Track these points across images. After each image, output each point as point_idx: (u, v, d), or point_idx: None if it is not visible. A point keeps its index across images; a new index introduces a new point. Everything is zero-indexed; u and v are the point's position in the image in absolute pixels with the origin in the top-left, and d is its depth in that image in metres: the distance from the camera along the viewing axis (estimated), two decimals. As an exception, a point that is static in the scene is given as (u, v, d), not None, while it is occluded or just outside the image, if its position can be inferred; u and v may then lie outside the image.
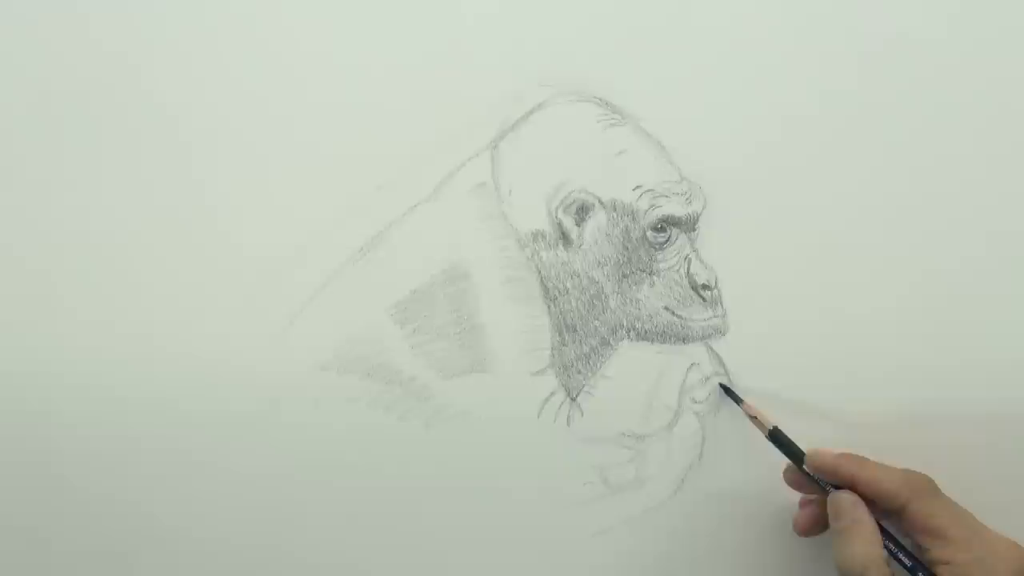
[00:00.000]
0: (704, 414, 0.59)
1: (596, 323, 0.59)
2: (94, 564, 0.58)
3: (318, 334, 0.58)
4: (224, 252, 0.58)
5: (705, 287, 0.59)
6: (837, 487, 0.53)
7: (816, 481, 0.54)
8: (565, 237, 0.58)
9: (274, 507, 0.58)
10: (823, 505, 0.55)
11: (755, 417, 0.57)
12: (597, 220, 0.58)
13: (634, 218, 0.59)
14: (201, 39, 0.58)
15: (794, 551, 0.58)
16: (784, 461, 0.56)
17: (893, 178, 0.59)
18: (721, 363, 0.59)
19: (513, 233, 0.58)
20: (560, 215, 0.58)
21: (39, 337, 0.58)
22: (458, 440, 0.58)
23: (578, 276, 0.59)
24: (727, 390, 0.58)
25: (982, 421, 0.58)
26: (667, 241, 0.59)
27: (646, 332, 0.59)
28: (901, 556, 0.51)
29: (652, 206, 0.58)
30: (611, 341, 0.59)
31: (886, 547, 0.51)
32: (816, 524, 0.56)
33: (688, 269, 0.59)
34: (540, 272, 0.58)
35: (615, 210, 0.58)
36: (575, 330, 0.58)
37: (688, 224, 0.59)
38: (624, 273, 0.59)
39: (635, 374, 0.59)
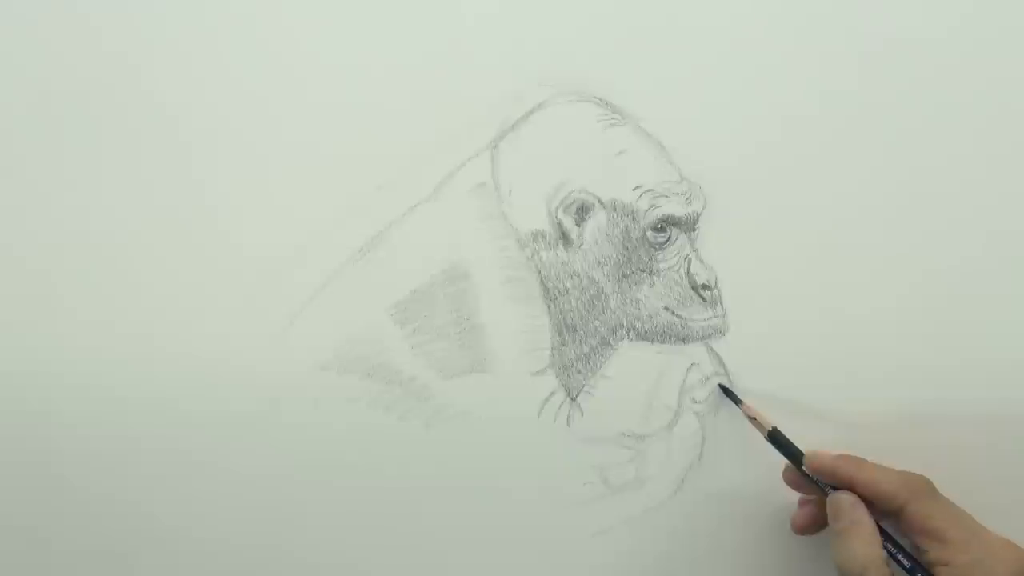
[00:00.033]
0: (704, 414, 0.59)
1: (596, 323, 0.59)
2: (94, 564, 0.58)
3: (318, 334, 0.58)
4: (224, 252, 0.58)
5: (705, 287, 0.59)
6: (836, 488, 0.53)
7: (815, 482, 0.54)
8: (565, 237, 0.58)
9: (274, 507, 0.58)
10: (821, 505, 0.55)
11: (754, 418, 0.57)
12: (597, 220, 0.58)
13: (634, 218, 0.59)
14: (201, 39, 0.58)
15: (794, 551, 0.58)
16: (783, 461, 0.56)
17: (893, 178, 0.59)
18: (721, 363, 0.59)
19: (513, 233, 0.58)
20: (560, 215, 0.58)
21: (39, 337, 0.58)
22: (458, 440, 0.58)
23: (578, 276, 0.59)
24: (726, 391, 0.58)
25: (982, 421, 0.58)
26: (667, 241, 0.59)
27: (646, 332, 0.59)
28: (900, 557, 0.51)
29: (652, 206, 0.58)
30: (611, 341, 0.59)
31: (885, 548, 0.51)
32: (813, 523, 0.56)
33: (688, 269, 0.59)
34: (540, 272, 0.58)
35: (615, 210, 0.58)
36: (575, 330, 0.58)
37: (688, 224, 0.59)
38: (624, 273, 0.59)
39: (635, 374, 0.59)
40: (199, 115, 0.58)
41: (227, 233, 0.58)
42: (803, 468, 0.55)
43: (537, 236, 0.58)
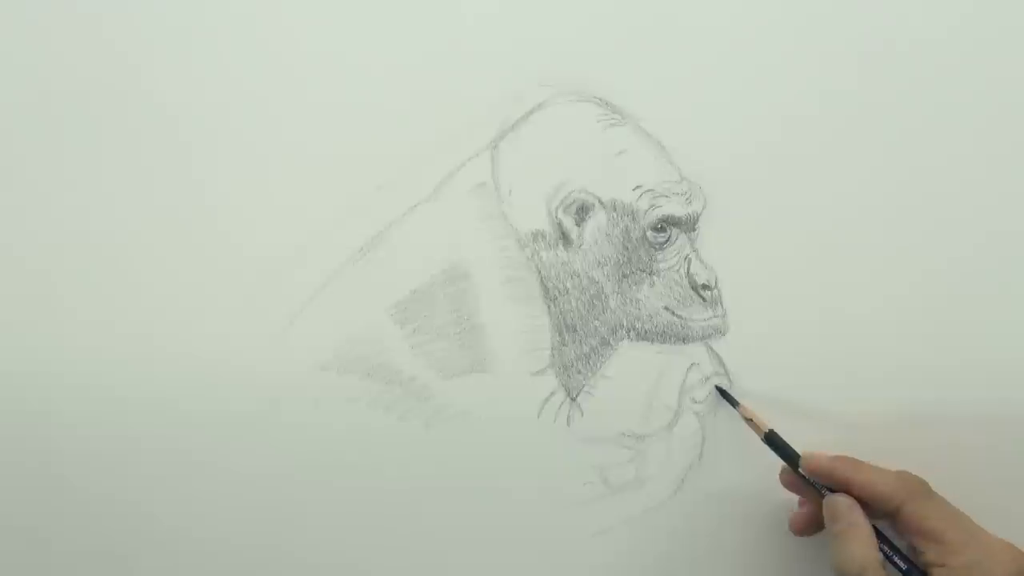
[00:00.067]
0: (704, 414, 0.59)
1: (596, 323, 0.59)
2: (94, 564, 0.58)
3: (318, 334, 0.58)
4: (224, 252, 0.58)
5: (705, 287, 0.59)
6: (832, 490, 0.53)
7: (811, 484, 0.54)
8: (565, 237, 0.58)
9: (274, 507, 0.58)
10: (818, 505, 0.55)
11: (751, 420, 0.57)
12: (597, 220, 0.58)
13: (634, 218, 0.59)
14: (201, 39, 0.58)
15: (794, 551, 0.58)
16: (781, 463, 0.56)
17: (893, 178, 0.59)
18: (721, 363, 0.59)
19: (513, 233, 0.58)
20: (560, 215, 0.58)
21: (39, 337, 0.58)
22: (458, 440, 0.58)
23: (578, 276, 0.59)
24: (723, 393, 0.58)
25: (982, 422, 0.58)
26: (667, 241, 0.59)
27: (646, 332, 0.59)
28: (896, 559, 0.52)
29: (652, 206, 0.58)
30: (611, 341, 0.59)
31: (882, 550, 0.51)
32: (811, 524, 0.56)
33: (688, 269, 0.59)
34: (540, 272, 0.58)
35: (615, 210, 0.58)
36: (575, 330, 0.58)
37: (688, 224, 0.59)
38: (624, 273, 0.59)
39: (635, 374, 0.59)
40: (199, 115, 0.58)
41: (227, 233, 0.58)
42: (800, 470, 0.55)
43: (537, 236, 0.58)
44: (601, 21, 0.59)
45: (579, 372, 0.59)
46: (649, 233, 0.59)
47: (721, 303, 0.59)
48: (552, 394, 0.58)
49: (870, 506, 0.52)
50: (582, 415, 0.58)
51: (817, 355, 0.59)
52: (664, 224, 0.58)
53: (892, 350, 0.59)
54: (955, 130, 0.59)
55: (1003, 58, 0.59)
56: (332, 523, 0.58)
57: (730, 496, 0.59)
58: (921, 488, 0.52)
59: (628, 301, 0.59)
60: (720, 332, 0.59)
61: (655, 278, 0.59)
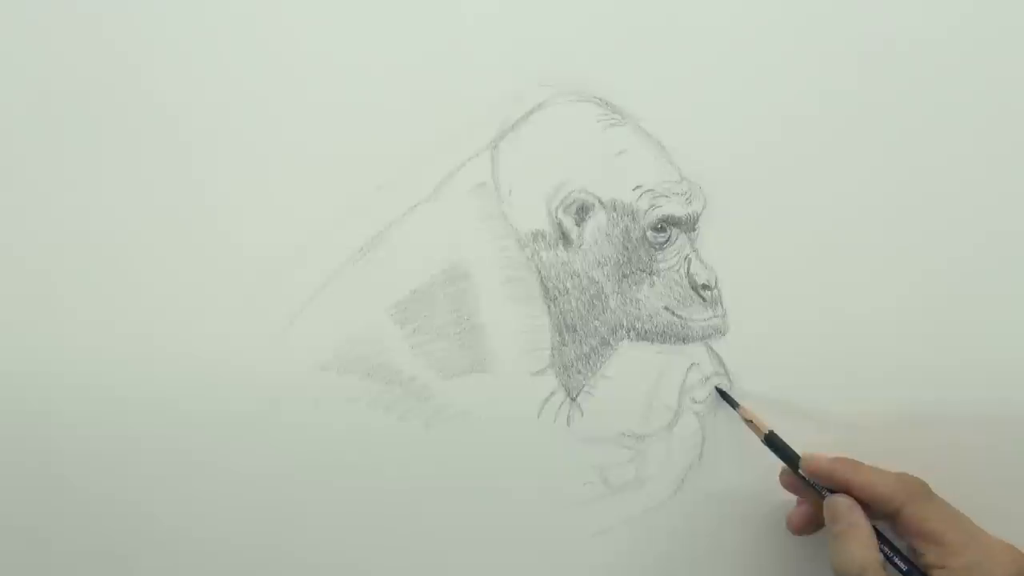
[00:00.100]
0: (704, 414, 0.59)
1: (596, 323, 0.59)
2: (94, 564, 0.58)
3: (318, 334, 0.58)
4: (224, 252, 0.58)
5: (705, 287, 0.59)
6: (832, 491, 0.53)
7: (811, 485, 0.54)
8: (565, 237, 0.58)
9: (274, 507, 0.58)
10: (817, 506, 0.55)
11: (751, 421, 0.57)
12: (597, 220, 0.58)
13: (634, 218, 0.59)
14: (201, 39, 0.58)
15: (794, 551, 0.58)
16: (781, 464, 0.56)
17: (893, 178, 0.59)
18: (721, 363, 0.59)
19: (513, 233, 0.58)
20: (560, 215, 0.58)
21: (39, 337, 0.58)
22: (458, 440, 0.58)
23: (578, 276, 0.59)
24: (723, 394, 0.58)
25: (982, 422, 0.58)
26: (667, 241, 0.59)
27: (646, 332, 0.59)
28: (896, 560, 0.52)
29: (652, 206, 0.58)
30: (611, 341, 0.59)
31: (882, 551, 0.51)
32: (810, 524, 0.56)
33: (688, 269, 0.59)
34: (540, 272, 0.58)
35: (615, 210, 0.58)
36: (575, 330, 0.58)
37: (688, 224, 0.59)
38: (624, 273, 0.59)
39: (635, 374, 0.59)
40: (199, 115, 0.58)
41: (227, 233, 0.58)
42: (799, 471, 0.55)
43: (537, 236, 0.58)
44: (601, 21, 0.59)
45: (579, 372, 0.59)
46: (649, 233, 0.59)
47: (721, 303, 0.59)
48: (552, 394, 0.58)
49: (870, 507, 0.52)
50: (582, 415, 0.58)
51: (817, 355, 0.59)
52: (664, 224, 0.58)
53: (892, 350, 0.59)
54: (955, 130, 0.59)
55: (1003, 58, 0.59)
56: (332, 523, 0.58)
57: (730, 496, 0.59)
58: (921, 490, 0.52)
59: (628, 301, 0.59)
60: (720, 332, 0.59)
61: (655, 278, 0.59)
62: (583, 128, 0.59)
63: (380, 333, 0.58)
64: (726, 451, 0.59)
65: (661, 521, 0.59)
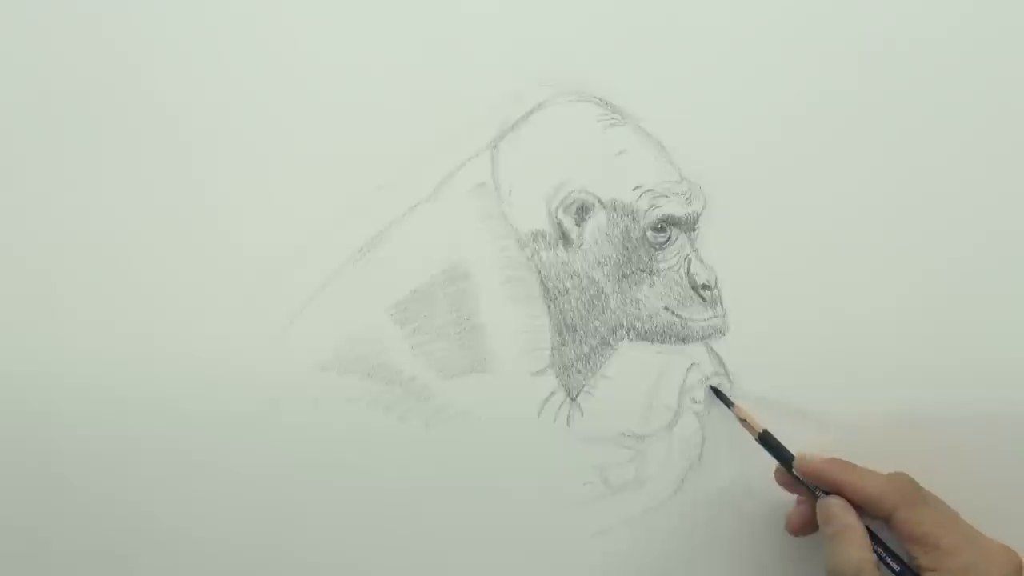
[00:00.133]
0: (704, 414, 0.59)
1: (596, 323, 0.59)
2: (94, 564, 0.58)
3: (318, 334, 0.58)
4: (224, 252, 0.58)
5: (705, 287, 0.59)
6: (826, 491, 0.53)
7: (805, 485, 0.54)
8: (565, 237, 0.58)
9: (274, 507, 0.58)
10: (814, 505, 0.55)
11: (745, 420, 0.57)
12: (597, 220, 0.58)
13: (634, 218, 0.59)
14: (201, 39, 0.58)
15: (794, 552, 0.58)
16: (777, 462, 0.56)
17: (893, 178, 0.59)
18: (721, 363, 0.59)
19: (513, 233, 0.58)
20: (560, 215, 0.58)
21: (39, 337, 0.58)
22: (458, 440, 0.58)
23: (578, 276, 0.59)
24: (718, 393, 0.58)
25: (982, 422, 0.58)
26: (667, 241, 0.59)
27: (646, 332, 0.59)
28: (890, 561, 0.52)
29: (652, 206, 0.58)
30: (611, 341, 0.59)
31: (875, 552, 0.51)
32: (808, 524, 0.56)
33: (688, 269, 0.59)
34: (540, 272, 0.58)
35: (615, 210, 0.58)
36: (575, 330, 0.58)
37: (688, 224, 0.59)
38: (624, 273, 0.59)
39: (635, 374, 0.59)
40: (199, 115, 0.58)
41: (227, 233, 0.58)
42: (793, 471, 0.55)
43: (537, 236, 0.58)
44: (601, 21, 0.59)
45: (579, 372, 0.59)
46: (649, 233, 0.59)
47: (721, 303, 0.59)
48: (552, 394, 0.58)
49: (863, 508, 0.52)
50: (582, 415, 0.58)
51: (817, 355, 0.59)
52: (664, 224, 0.58)
53: (892, 350, 0.59)
54: (955, 130, 0.59)
55: (1003, 58, 0.59)
56: (332, 523, 0.58)
57: (730, 496, 0.59)
58: (913, 491, 0.52)
59: (628, 301, 0.59)
60: (720, 332, 0.59)
61: (655, 278, 0.59)
62: (583, 128, 0.59)
63: (380, 333, 0.58)
64: (726, 451, 0.59)
65: (661, 521, 0.59)
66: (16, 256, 0.58)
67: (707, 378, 0.59)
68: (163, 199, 0.58)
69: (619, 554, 0.59)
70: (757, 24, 0.59)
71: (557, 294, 0.58)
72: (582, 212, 0.58)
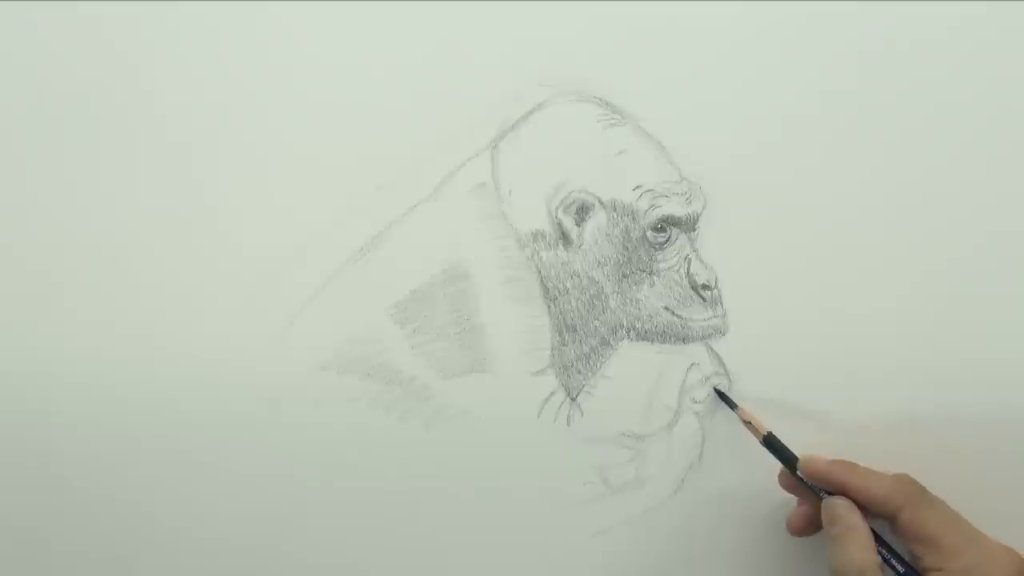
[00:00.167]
0: (704, 414, 0.59)
1: (596, 323, 0.59)
2: (94, 564, 0.58)
3: (318, 334, 0.58)
4: (224, 252, 0.58)
5: (705, 287, 0.59)
6: (830, 493, 0.53)
7: (809, 487, 0.54)
8: (565, 237, 0.58)
9: (274, 507, 0.58)
10: (816, 507, 0.55)
11: (749, 423, 0.57)
12: (597, 220, 0.58)
13: (634, 218, 0.59)
14: (201, 39, 0.58)
15: (794, 552, 0.58)
16: (780, 465, 0.56)
17: (893, 178, 0.59)
18: (721, 363, 0.59)
19: (513, 233, 0.58)
20: (560, 215, 0.58)
21: (39, 337, 0.58)
22: (458, 440, 0.58)
23: (578, 276, 0.59)
24: (722, 395, 0.58)
25: (983, 423, 0.58)
26: (667, 241, 0.59)
27: (646, 332, 0.59)
28: (894, 562, 0.52)
29: (652, 206, 0.58)
30: (611, 341, 0.59)
31: (880, 553, 0.51)
32: (809, 525, 0.56)
33: (688, 269, 0.59)
34: (540, 272, 0.58)
35: (615, 210, 0.58)
36: (575, 330, 0.58)
37: (688, 224, 0.59)
38: (624, 273, 0.59)
39: (635, 374, 0.59)
40: (199, 115, 0.58)
41: (227, 233, 0.58)
42: (797, 473, 0.55)
43: (537, 236, 0.58)
44: (601, 21, 0.59)
45: (579, 372, 0.59)
46: (649, 233, 0.59)
47: (721, 303, 0.59)
48: (552, 394, 0.58)
49: (867, 509, 0.52)
50: (582, 415, 0.58)
51: (817, 355, 0.59)
52: (664, 224, 0.58)
53: (892, 350, 0.59)
54: (955, 130, 0.59)
55: (1003, 58, 0.59)
56: (332, 523, 0.58)
57: (730, 496, 0.59)
58: (918, 492, 0.52)
59: (628, 301, 0.59)
60: (720, 332, 0.59)
61: (655, 278, 0.59)
62: (583, 128, 0.59)
63: (380, 333, 0.58)
64: (726, 451, 0.59)
65: (661, 521, 0.59)
66: (16, 256, 0.58)
67: (707, 378, 0.59)
68: (163, 199, 0.58)
69: (619, 554, 0.59)
70: (757, 24, 0.59)
71: (557, 294, 0.58)
72: (582, 212, 0.58)
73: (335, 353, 0.58)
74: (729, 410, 0.58)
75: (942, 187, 0.59)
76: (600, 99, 0.59)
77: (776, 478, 0.57)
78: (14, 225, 0.58)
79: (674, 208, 0.58)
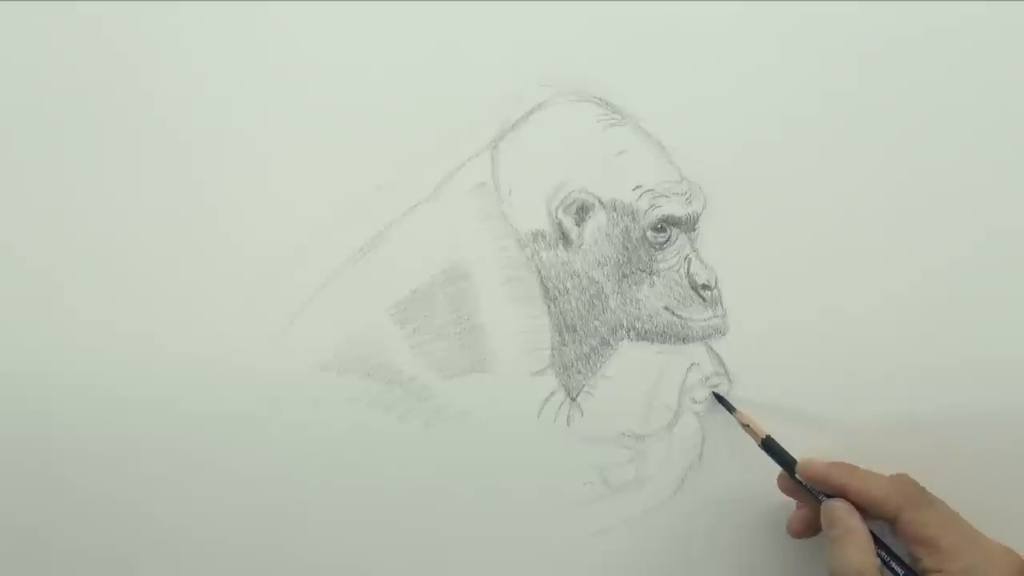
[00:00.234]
0: (704, 414, 0.59)
1: (596, 323, 0.59)
2: (94, 564, 0.58)
3: (318, 334, 0.58)
4: (224, 252, 0.58)
5: (705, 287, 0.59)
6: (829, 495, 0.53)
7: (808, 490, 0.54)
8: (565, 237, 0.58)
9: (274, 507, 0.58)
10: (815, 509, 0.55)
11: (747, 426, 0.57)
12: (597, 220, 0.58)
13: (634, 218, 0.59)
14: (201, 39, 0.58)
15: (793, 552, 0.58)
16: (779, 468, 0.56)
17: (893, 178, 0.59)
18: (721, 363, 0.59)
19: (513, 233, 0.58)
20: (560, 215, 0.58)
21: (39, 337, 0.58)
22: (458, 440, 0.58)
23: (578, 276, 0.59)
24: (720, 399, 0.58)
25: (982, 424, 0.58)
26: (667, 241, 0.59)
27: (646, 332, 0.59)
28: (894, 565, 0.51)
29: (652, 206, 0.58)
30: (611, 341, 0.59)
31: (879, 555, 0.51)
32: (809, 527, 0.56)
33: (688, 269, 0.59)
34: (540, 272, 0.58)
35: (615, 210, 0.58)
36: (575, 330, 0.58)
37: (688, 224, 0.59)
38: (624, 273, 0.59)
39: (635, 374, 0.59)
40: (199, 115, 0.58)
41: (227, 233, 0.58)
42: (796, 476, 0.55)
43: (537, 236, 0.58)
44: (601, 21, 0.59)
45: (579, 372, 0.59)
46: (649, 233, 0.59)
47: (721, 303, 0.59)
48: (552, 394, 0.58)
49: (867, 511, 0.52)
50: (582, 415, 0.58)
51: (817, 355, 0.59)
52: (664, 224, 0.58)
53: (892, 350, 0.59)
54: (955, 130, 0.59)
55: (1003, 58, 0.59)
56: (332, 523, 0.58)
57: (730, 496, 0.59)
58: (917, 493, 0.52)
59: (628, 301, 0.59)
60: (720, 332, 0.59)
61: (655, 278, 0.59)
62: (583, 128, 0.59)
63: (380, 333, 0.58)
64: (726, 451, 0.59)
65: (661, 521, 0.59)
66: (16, 256, 0.58)
67: (707, 378, 0.59)
68: (163, 199, 0.58)
69: (619, 554, 0.59)
70: (757, 24, 0.59)
71: (557, 294, 0.58)
72: (582, 212, 0.58)
73: (335, 353, 0.58)
74: (727, 413, 0.58)
75: (942, 187, 0.59)
76: (600, 99, 0.59)
77: (775, 478, 0.57)
78: (14, 225, 0.58)
79: (674, 208, 0.58)
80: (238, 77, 0.58)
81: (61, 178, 0.58)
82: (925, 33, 0.59)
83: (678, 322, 0.59)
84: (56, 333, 0.58)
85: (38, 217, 0.58)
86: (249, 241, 0.58)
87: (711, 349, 0.59)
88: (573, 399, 0.58)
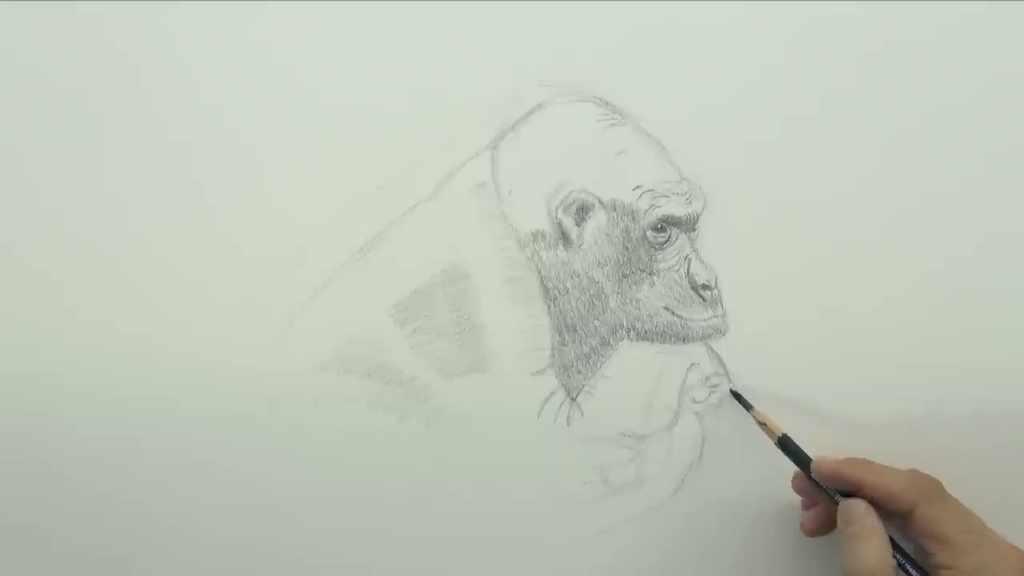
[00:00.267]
0: (704, 414, 0.59)
1: (596, 323, 0.59)
2: (94, 564, 0.58)
3: (318, 334, 0.58)
4: (224, 252, 0.58)
5: (705, 287, 0.59)
6: (844, 493, 0.53)
7: (823, 488, 0.54)
8: (565, 237, 0.58)
9: (274, 507, 0.58)
10: (828, 508, 0.54)
11: (764, 424, 0.57)
12: (597, 220, 0.58)
13: (634, 218, 0.59)
14: (201, 39, 0.58)
15: (795, 551, 0.58)
16: (786, 463, 0.56)
17: (893, 178, 0.59)
18: (721, 363, 0.59)
19: (513, 233, 0.58)
20: (560, 215, 0.58)
21: (39, 337, 0.58)
22: (458, 440, 0.58)
23: (578, 276, 0.59)
24: (738, 396, 0.58)
25: (982, 424, 0.58)
26: (667, 241, 0.59)
27: (646, 332, 0.59)
28: (909, 567, 0.51)
29: (652, 206, 0.58)
30: (611, 341, 0.59)
31: (895, 557, 0.51)
32: (822, 526, 0.56)
33: (688, 269, 0.59)
34: (540, 272, 0.58)
35: (615, 210, 0.58)
36: (575, 330, 0.58)
37: (688, 224, 0.59)
38: (624, 273, 0.59)
39: (635, 374, 0.59)
40: (199, 115, 0.58)
41: (227, 233, 0.58)
42: (811, 475, 0.54)
43: (537, 236, 0.58)
44: (601, 21, 0.59)
45: (579, 372, 0.59)
46: (649, 233, 0.59)
47: (721, 303, 0.59)
48: (552, 394, 0.58)
49: (882, 506, 0.52)
50: (582, 415, 0.58)
51: (817, 355, 0.59)
52: (664, 224, 0.58)
53: (892, 350, 0.59)
54: (955, 130, 0.59)
55: (1003, 58, 0.59)
56: (332, 523, 0.58)
57: (730, 496, 0.59)
58: (934, 489, 0.52)
59: (628, 301, 0.59)
60: (720, 332, 0.59)
61: (655, 278, 0.59)
62: (583, 128, 0.59)
63: (380, 333, 0.58)
64: (726, 451, 0.59)
65: (661, 521, 0.59)
66: (16, 256, 0.58)
67: (707, 378, 0.59)
68: (163, 199, 0.58)
69: (619, 554, 0.59)
70: (757, 24, 0.59)
71: (557, 294, 0.58)
72: (582, 212, 0.58)
73: (335, 353, 0.58)
74: (730, 411, 0.58)
75: (942, 187, 0.59)
76: (600, 99, 0.59)
77: (777, 477, 0.57)
78: (14, 225, 0.58)
79: (674, 208, 0.58)
80: (238, 77, 0.58)
81: (61, 178, 0.58)
82: (925, 33, 0.59)
83: (678, 322, 0.59)
84: (56, 333, 0.58)
85: (38, 217, 0.58)
86: (249, 241, 0.58)
87: (711, 349, 0.59)
88: (573, 399, 0.58)
